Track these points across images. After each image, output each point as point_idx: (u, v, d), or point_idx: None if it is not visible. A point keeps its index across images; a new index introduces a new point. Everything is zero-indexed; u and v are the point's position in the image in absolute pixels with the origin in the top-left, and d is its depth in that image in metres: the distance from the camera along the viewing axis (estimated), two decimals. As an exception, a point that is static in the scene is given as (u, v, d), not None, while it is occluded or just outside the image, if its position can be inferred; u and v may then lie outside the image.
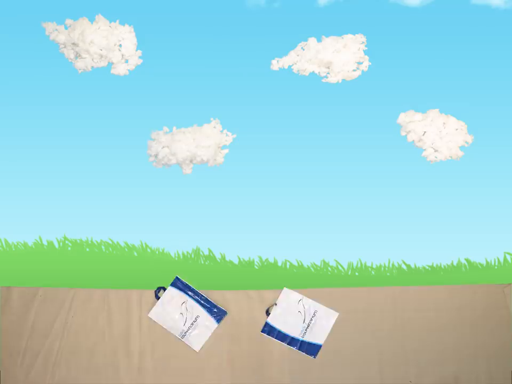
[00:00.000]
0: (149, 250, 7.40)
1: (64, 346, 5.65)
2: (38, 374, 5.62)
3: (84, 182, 7.27)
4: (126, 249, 7.40)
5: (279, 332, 5.74)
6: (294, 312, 5.78)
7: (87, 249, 7.33)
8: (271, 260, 7.36)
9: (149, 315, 5.76)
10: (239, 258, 7.48)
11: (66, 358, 5.64)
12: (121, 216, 7.24)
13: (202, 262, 7.05)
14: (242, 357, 5.64)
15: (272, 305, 5.81)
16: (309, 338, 5.69)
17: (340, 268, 7.44)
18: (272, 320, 5.77)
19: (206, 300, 5.90)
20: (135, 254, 7.40)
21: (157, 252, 7.42)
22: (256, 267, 7.47)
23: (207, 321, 5.82)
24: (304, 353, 5.65)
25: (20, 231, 7.23)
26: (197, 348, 5.74)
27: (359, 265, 7.47)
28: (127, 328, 5.68)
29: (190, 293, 5.91)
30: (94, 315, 5.69)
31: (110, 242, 7.40)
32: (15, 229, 7.22)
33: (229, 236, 7.12)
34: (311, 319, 5.74)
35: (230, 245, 7.14)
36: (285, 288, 5.86)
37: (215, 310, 5.86)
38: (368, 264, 7.43)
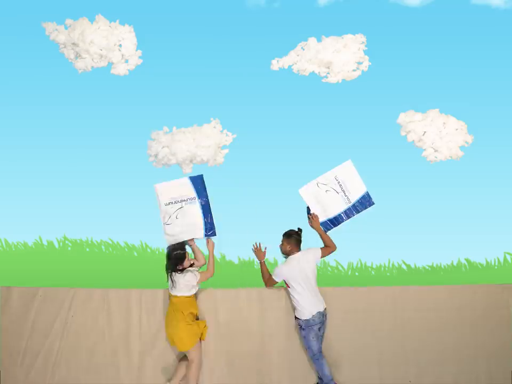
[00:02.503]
0: (149, 250, 7.42)
1: (64, 346, 5.64)
2: (38, 374, 5.62)
3: (84, 182, 7.30)
4: (126, 249, 7.41)
5: (334, 218, 5.87)
6: (324, 195, 5.88)
7: (87, 249, 7.35)
8: (271, 260, 7.37)
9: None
10: (239, 258, 7.50)
11: (66, 358, 5.63)
12: (121, 216, 7.26)
13: (202, 262, 7.02)
14: (242, 356, 5.63)
15: (307, 210, 5.87)
16: (354, 197, 5.89)
17: (340, 268, 7.45)
18: (323, 217, 5.85)
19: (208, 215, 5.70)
20: (135, 254, 7.41)
21: (157, 252, 7.43)
22: (256, 267, 7.47)
23: (196, 229, 5.64)
24: (361, 213, 5.81)
25: (20, 231, 7.25)
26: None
27: (359, 265, 7.49)
28: (127, 328, 5.68)
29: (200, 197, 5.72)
30: (94, 315, 5.69)
31: (110, 242, 7.42)
32: (15, 229, 7.24)
33: (229, 236, 7.12)
34: (340, 185, 5.90)
35: (230, 245, 7.16)
36: (299, 190, 5.90)
37: (209, 224, 5.72)
38: (368, 264, 7.45)
